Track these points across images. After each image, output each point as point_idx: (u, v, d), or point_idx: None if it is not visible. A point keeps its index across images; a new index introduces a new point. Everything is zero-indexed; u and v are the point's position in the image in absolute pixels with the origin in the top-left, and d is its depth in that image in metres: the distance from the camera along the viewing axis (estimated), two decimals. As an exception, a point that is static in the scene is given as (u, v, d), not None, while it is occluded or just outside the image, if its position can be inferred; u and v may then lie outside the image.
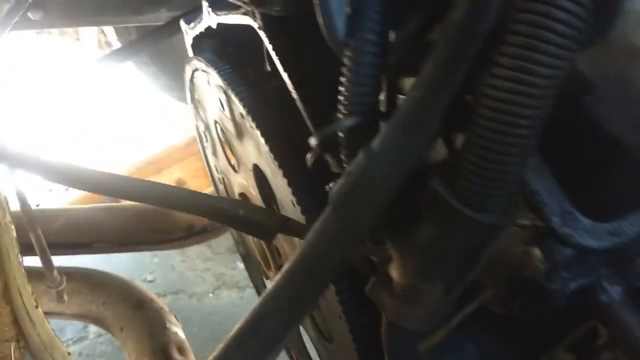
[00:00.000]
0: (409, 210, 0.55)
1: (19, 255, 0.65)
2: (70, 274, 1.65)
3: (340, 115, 0.57)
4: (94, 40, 4.12)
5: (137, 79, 2.76)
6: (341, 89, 0.56)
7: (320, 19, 0.54)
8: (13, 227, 0.67)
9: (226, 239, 2.52)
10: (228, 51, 1.20)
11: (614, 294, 0.59)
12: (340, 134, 0.58)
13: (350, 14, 0.55)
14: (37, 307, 0.61)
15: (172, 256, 3.12)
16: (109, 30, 2.51)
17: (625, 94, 0.47)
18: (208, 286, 3.04)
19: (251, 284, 1.52)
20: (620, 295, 0.59)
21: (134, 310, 1.66)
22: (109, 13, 1.61)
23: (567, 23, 0.42)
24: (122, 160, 3.29)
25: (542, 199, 0.54)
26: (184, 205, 0.65)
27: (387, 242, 0.59)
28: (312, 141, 0.58)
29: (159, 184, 0.70)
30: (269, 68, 0.97)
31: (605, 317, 0.59)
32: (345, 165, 0.59)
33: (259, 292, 1.50)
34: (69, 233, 1.80)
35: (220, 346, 0.55)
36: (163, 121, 3.49)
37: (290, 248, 0.93)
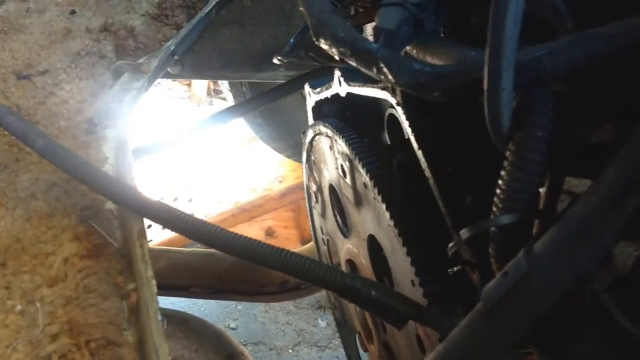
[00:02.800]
0: (565, 321, 0.52)
1: (158, 312, 0.66)
2: (169, 316, 1.70)
3: (496, 210, 0.55)
4: (204, 87, 4.37)
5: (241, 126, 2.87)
6: (500, 183, 0.55)
7: (486, 111, 0.53)
8: (154, 282, 0.69)
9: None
10: (346, 116, 1.22)
11: None
12: (494, 230, 0.56)
13: (519, 109, 0.54)
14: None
15: (255, 306, 3.14)
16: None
17: None
18: (288, 341, 3.03)
19: (330, 345, 1.49)
20: None
21: (224, 360, 1.68)
22: (232, 69, 1.70)
23: None
24: (216, 204, 3.40)
25: None
26: (313, 277, 0.65)
27: (533, 350, 0.55)
28: (463, 233, 0.57)
29: (269, 245, 0.71)
30: (391, 141, 0.97)
31: None
32: (494, 262, 0.57)
33: (350, 361, 1.47)
34: (170, 274, 1.86)
35: None
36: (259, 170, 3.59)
37: (402, 332, 0.90)
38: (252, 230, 3.42)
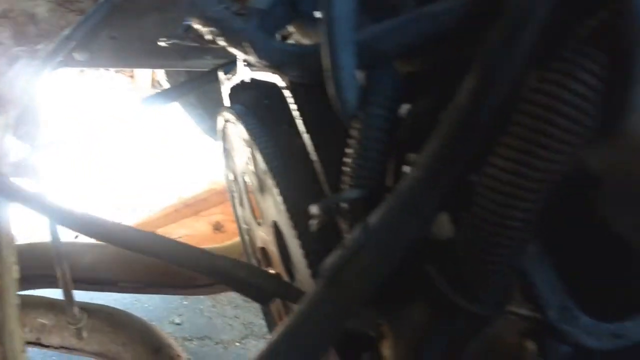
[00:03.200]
0: (406, 289, 0.53)
1: (16, 297, 0.66)
2: (94, 311, 1.68)
3: (344, 186, 0.57)
4: (148, 78, 4.30)
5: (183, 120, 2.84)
6: (347, 160, 0.57)
7: (330, 90, 0.54)
8: (16, 267, 0.68)
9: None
10: (264, 103, 1.22)
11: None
12: (344, 205, 0.58)
13: (363, 88, 0.55)
14: (23, 352, 0.61)
15: (202, 300, 3.12)
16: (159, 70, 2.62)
17: (633, 191, 0.46)
18: (236, 334, 3.01)
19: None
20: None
21: (152, 354, 1.66)
22: (156, 57, 1.67)
23: (571, 118, 0.41)
24: (161, 200, 3.36)
25: (540, 291, 0.52)
26: (184, 260, 0.65)
27: (381, 319, 0.57)
28: (313, 209, 0.58)
29: (162, 237, 0.71)
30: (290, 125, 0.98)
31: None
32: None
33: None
34: (97, 269, 1.84)
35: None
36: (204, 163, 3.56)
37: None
38: (200, 225, 3.40)
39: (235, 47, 0.67)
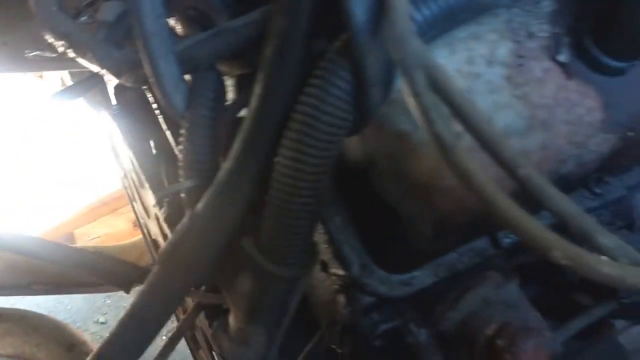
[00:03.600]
0: (235, 264, 0.62)
1: None
2: (5, 315, 1.69)
3: (180, 179, 0.65)
4: (57, 79, 4.18)
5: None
6: (179, 154, 0.64)
7: (157, 94, 0.62)
8: None
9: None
10: (144, 102, 1.28)
11: (420, 336, 0.67)
12: (182, 195, 0.66)
13: (189, 90, 0.63)
14: None
15: (125, 298, 3.11)
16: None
17: (394, 168, 0.56)
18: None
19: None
20: (426, 337, 0.67)
21: (66, 352, 1.69)
22: (51, 60, 1.68)
23: (332, 114, 0.50)
24: (78, 200, 3.32)
25: (345, 253, 0.62)
26: (55, 258, 0.72)
27: (225, 292, 0.66)
28: (152, 199, 0.66)
29: (32, 237, 0.77)
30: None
31: (412, 355, 0.67)
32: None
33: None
34: (8, 275, 1.84)
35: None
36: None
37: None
38: (119, 223, 3.37)
39: (83, 58, 0.73)
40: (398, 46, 0.42)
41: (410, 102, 0.42)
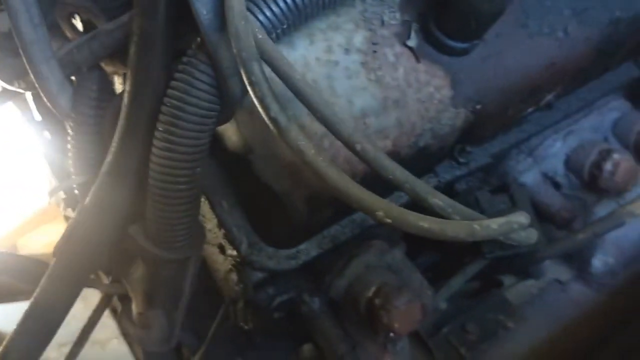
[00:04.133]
0: (128, 253, 0.67)
1: None
2: None
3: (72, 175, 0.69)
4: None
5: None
6: (69, 153, 0.68)
7: (44, 97, 0.65)
8: None
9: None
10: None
11: (314, 305, 0.73)
12: (76, 191, 0.70)
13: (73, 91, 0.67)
14: None
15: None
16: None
17: (267, 151, 0.61)
18: (112, 332, 3.02)
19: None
20: (319, 305, 0.73)
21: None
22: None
23: (195, 104, 0.54)
24: (19, 210, 3.26)
25: (234, 234, 0.67)
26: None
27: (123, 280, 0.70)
28: (48, 195, 0.69)
29: None
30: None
31: (308, 325, 0.73)
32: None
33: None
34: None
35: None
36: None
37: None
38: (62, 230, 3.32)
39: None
40: (235, 41, 0.47)
41: (250, 91, 0.48)
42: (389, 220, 0.47)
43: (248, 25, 0.48)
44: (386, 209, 0.47)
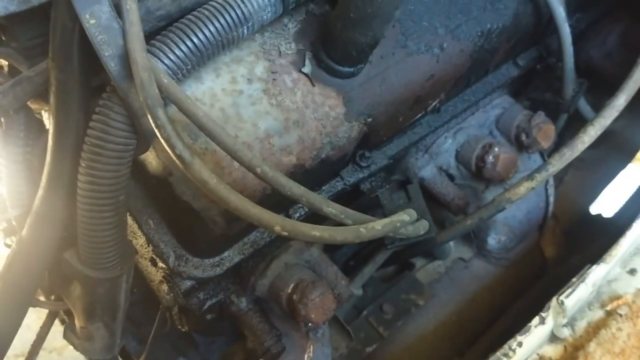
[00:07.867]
0: (67, 272, 0.74)
1: None
2: None
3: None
4: None
5: None
6: (3, 188, 0.74)
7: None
8: None
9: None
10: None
11: (241, 304, 0.82)
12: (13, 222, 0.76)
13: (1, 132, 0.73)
14: None
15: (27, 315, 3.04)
16: None
17: (184, 174, 0.69)
18: (65, 339, 3.02)
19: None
20: (246, 304, 0.82)
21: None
22: None
23: (115, 142, 0.61)
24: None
25: (161, 249, 0.75)
26: None
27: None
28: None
29: None
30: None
31: (238, 322, 0.82)
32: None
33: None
34: None
35: None
36: None
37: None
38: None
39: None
40: (140, 91, 0.55)
41: (156, 133, 0.56)
42: (285, 233, 0.56)
43: (151, 75, 0.56)
44: (282, 223, 0.56)
